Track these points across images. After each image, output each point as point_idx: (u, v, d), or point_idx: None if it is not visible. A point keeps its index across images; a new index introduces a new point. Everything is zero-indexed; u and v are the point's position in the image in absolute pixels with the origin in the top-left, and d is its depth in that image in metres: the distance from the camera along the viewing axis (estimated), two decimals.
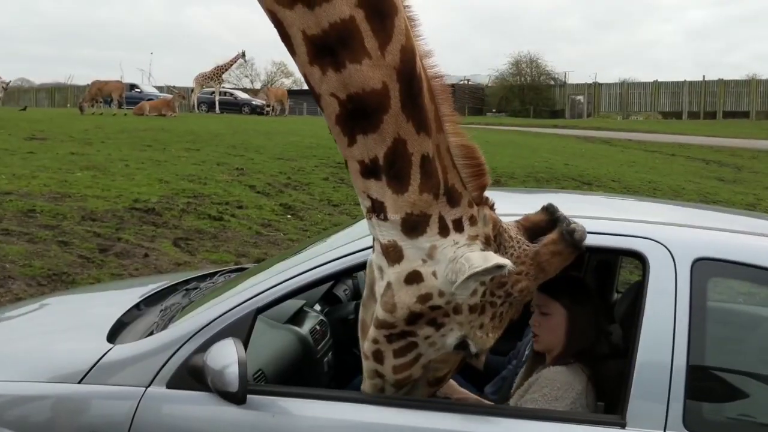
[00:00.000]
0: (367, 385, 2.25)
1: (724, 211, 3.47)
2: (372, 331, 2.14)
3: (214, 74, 31.37)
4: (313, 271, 2.38)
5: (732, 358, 2.25)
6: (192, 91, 32.73)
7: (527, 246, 2.10)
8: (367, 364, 2.21)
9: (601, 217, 2.44)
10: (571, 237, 2.06)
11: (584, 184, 13.34)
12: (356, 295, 4.08)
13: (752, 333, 2.47)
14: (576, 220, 2.09)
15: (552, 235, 2.10)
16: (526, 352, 3.25)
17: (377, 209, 2.03)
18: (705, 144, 24.46)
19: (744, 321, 2.52)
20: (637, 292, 2.58)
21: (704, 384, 2.12)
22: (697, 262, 2.13)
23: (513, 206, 2.98)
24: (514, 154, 16.66)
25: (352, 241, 2.43)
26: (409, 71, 1.92)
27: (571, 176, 13.94)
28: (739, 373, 2.24)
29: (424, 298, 2.03)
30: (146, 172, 10.67)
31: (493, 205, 2.12)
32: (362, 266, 2.30)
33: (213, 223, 8.51)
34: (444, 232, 2.02)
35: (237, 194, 9.93)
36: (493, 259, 1.95)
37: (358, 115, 1.94)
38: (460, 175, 2.05)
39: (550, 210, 2.16)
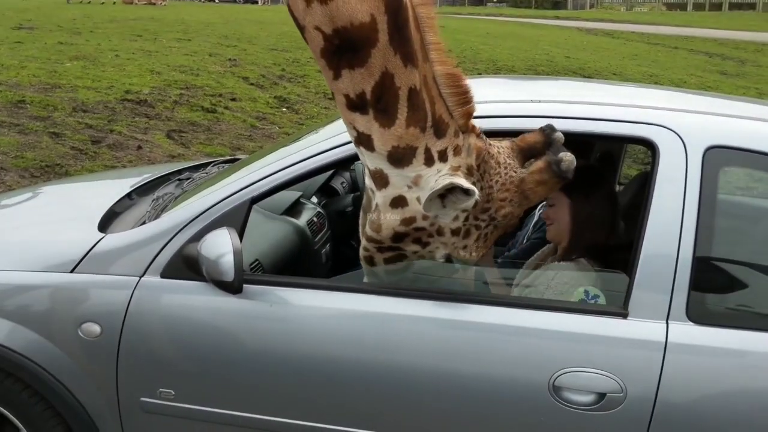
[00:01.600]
0: (366, 281, 2.29)
1: (734, 99, 3.35)
2: (363, 242, 2.19)
3: None
4: (308, 160, 2.30)
5: (739, 249, 2.20)
6: None
7: (514, 172, 2.07)
8: (363, 265, 2.25)
9: (608, 103, 2.33)
10: (558, 167, 2.01)
11: (585, 77, 13.08)
12: (354, 187, 4.02)
13: (760, 224, 2.41)
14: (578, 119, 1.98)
15: (539, 163, 2.05)
16: (524, 241, 3.23)
17: (363, 141, 2.00)
18: (709, 36, 23.91)
19: (753, 212, 2.46)
20: (642, 183, 2.51)
21: (709, 275, 2.08)
22: (710, 150, 2.05)
23: (517, 93, 2.88)
24: (515, 47, 16.29)
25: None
26: (397, 1, 1.82)
27: (572, 69, 13.67)
28: (744, 264, 2.20)
29: (408, 221, 2.07)
30: (137, 62, 10.41)
31: (480, 133, 2.07)
32: (358, 157, 2.23)
33: (206, 115, 8.36)
34: (429, 162, 2.00)
35: (230, 86, 9.73)
36: (456, 181, 1.94)
37: (344, 49, 1.85)
38: (446, 104, 1.99)
39: (546, 132, 2.08)
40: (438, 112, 1.97)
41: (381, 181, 2.05)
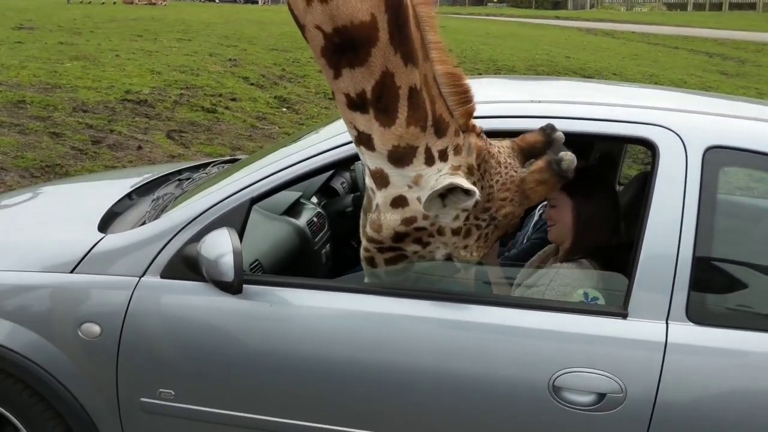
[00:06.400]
0: (367, 281, 2.29)
1: (735, 99, 3.35)
2: (364, 242, 2.19)
3: None
4: (308, 161, 2.30)
5: (738, 249, 2.19)
6: None
7: (514, 172, 2.07)
8: (364, 266, 2.25)
9: (609, 104, 2.33)
10: (558, 166, 2.02)
11: (586, 77, 13.09)
12: (353, 187, 4.02)
13: (760, 224, 2.41)
14: (575, 124, 2.00)
15: (539, 163, 2.06)
16: (524, 242, 3.23)
17: (364, 140, 2.01)
18: (709, 37, 23.92)
19: (753, 212, 2.46)
20: (642, 183, 2.51)
21: (709, 275, 2.08)
22: (709, 150, 2.05)
23: (517, 94, 2.88)
24: (515, 47, 16.31)
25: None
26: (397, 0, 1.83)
27: (572, 69, 13.68)
28: (744, 264, 2.20)
29: (409, 221, 2.07)
30: (137, 62, 10.41)
31: (480, 132, 2.07)
32: (358, 157, 2.23)
33: (206, 115, 8.36)
34: (429, 162, 2.01)
35: (230, 86, 9.73)
36: (456, 182, 1.94)
37: (345, 48, 1.86)
38: (447, 104, 2.00)
39: (546, 131, 2.09)
40: (438, 111, 1.97)
41: (381, 180, 2.05)
